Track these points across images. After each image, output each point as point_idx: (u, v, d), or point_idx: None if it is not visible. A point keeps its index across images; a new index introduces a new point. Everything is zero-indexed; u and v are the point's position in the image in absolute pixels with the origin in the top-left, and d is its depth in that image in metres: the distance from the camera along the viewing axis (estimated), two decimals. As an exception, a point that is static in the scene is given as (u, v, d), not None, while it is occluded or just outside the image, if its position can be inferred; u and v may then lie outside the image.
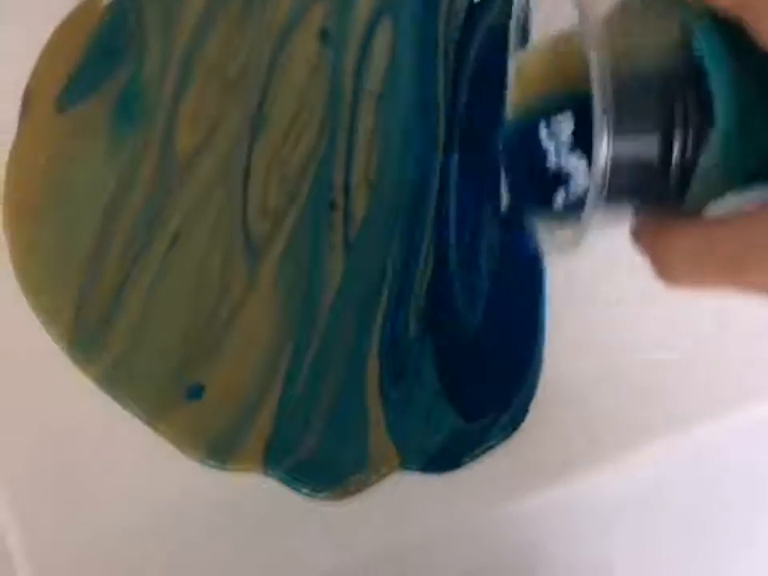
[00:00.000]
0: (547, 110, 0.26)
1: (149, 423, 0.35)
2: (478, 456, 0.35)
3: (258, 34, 0.37)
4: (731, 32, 0.22)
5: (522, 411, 0.36)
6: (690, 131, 0.23)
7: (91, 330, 0.35)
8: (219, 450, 0.34)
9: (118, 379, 0.35)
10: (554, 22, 0.27)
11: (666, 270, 0.24)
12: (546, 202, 0.27)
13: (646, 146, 0.23)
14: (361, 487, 0.35)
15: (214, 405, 0.35)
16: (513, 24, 0.29)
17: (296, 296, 0.35)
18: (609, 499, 0.36)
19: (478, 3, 0.37)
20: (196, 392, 0.35)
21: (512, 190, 0.30)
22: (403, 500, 0.35)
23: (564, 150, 0.26)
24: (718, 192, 0.24)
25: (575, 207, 0.24)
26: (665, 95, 0.23)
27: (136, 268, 0.35)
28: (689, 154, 0.23)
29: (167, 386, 0.35)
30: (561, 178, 0.26)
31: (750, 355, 0.36)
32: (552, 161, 0.26)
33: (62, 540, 0.34)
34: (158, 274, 0.35)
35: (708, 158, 0.23)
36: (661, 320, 0.36)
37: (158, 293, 0.35)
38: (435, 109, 0.37)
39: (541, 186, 0.27)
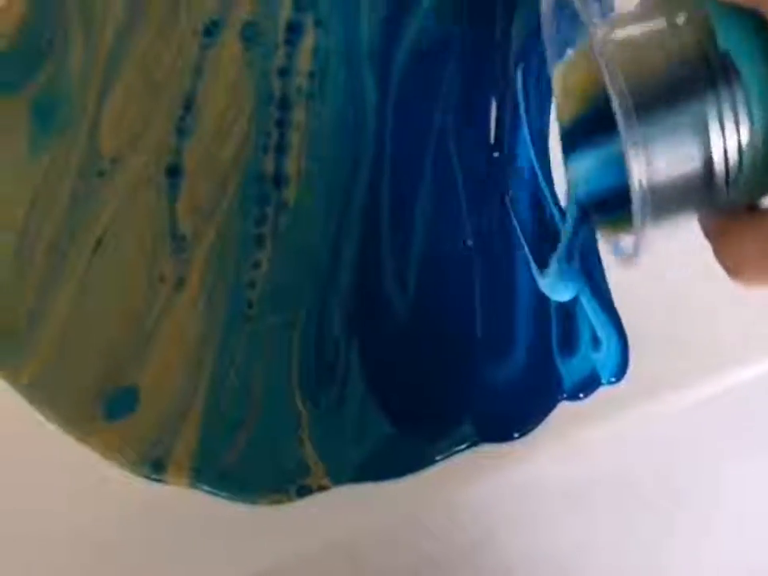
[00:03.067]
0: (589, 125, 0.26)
1: (79, 439, 0.33)
2: (420, 470, 0.34)
3: (184, 32, 0.36)
4: (750, 23, 0.22)
5: (488, 425, 0.34)
6: (728, 130, 0.22)
7: (12, 340, 0.34)
8: (152, 461, 0.33)
9: (42, 393, 0.34)
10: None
11: (738, 271, 0.23)
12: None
13: (683, 156, 0.22)
14: (304, 493, 0.33)
15: (146, 412, 0.33)
16: (545, 33, 0.28)
17: (222, 293, 0.34)
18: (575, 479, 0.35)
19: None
20: (130, 395, 0.34)
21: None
22: (352, 490, 0.33)
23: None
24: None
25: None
26: (694, 98, 0.22)
27: (59, 275, 0.34)
28: (731, 153, 0.22)
29: (95, 396, 0.34)
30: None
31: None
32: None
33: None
34: (82, 279, 0.34)
35: (752, 154, 0.22)
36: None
37: (84, 298, 0.34)
38: (365, 100, 0.36)
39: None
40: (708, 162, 0.22)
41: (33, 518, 0.33)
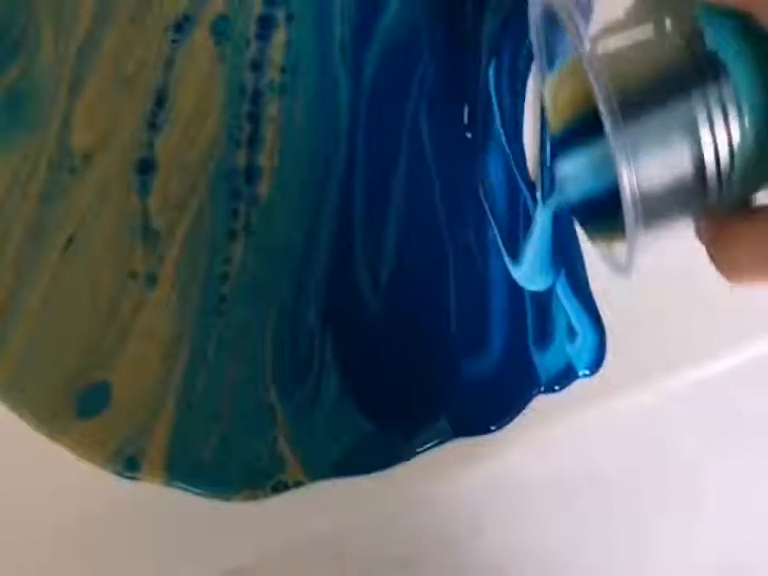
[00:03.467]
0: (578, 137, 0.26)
1: (52, 438, 0.33)
2: (397, 464, 0.33)
3: (155, 26, 0.36)
4: (738, 23, 0.22)
5: (465, 420, 0.34)
6: (718, 129, 0.22)
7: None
8: (125, 458, 0.33)
9: (14, 393, 0.33)
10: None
11: (728, 267, 0.23)
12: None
13: (675, 158, 0.22)
14: (280, 489, 0.33)
15: (118, 409, 0.33)
16: (535, 46, 0.28)
17: (195, 289, 0.34)
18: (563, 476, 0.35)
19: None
20: (102, 393, 0.33)
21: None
22: (334, 484, 0.33)
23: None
24: (761, 183, 0.23)
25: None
26: (683, 100, 0.22)
27: (30, 273, 0.34)
28: (723, 152, 0.22)
29: (67, 394, 0.33)
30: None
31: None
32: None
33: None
34: (53, 277, 0.34)
35: (744, 154, 0.22)
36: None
37: (56, 296, 0.34)
38: (338, 95, 0.36)
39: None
40: (699, 162, 0.22)
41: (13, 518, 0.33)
